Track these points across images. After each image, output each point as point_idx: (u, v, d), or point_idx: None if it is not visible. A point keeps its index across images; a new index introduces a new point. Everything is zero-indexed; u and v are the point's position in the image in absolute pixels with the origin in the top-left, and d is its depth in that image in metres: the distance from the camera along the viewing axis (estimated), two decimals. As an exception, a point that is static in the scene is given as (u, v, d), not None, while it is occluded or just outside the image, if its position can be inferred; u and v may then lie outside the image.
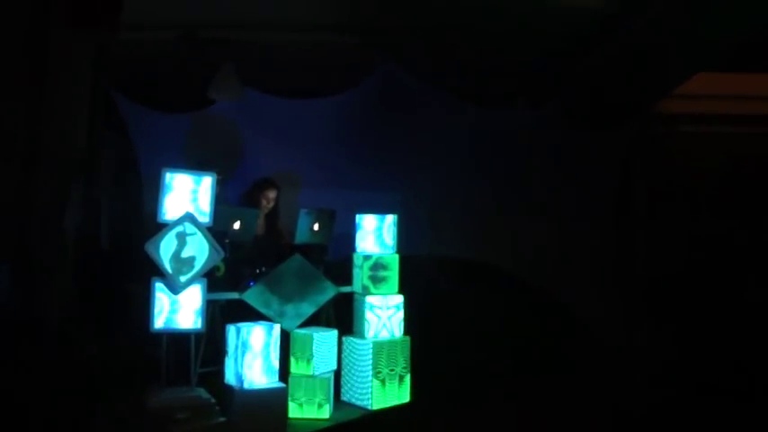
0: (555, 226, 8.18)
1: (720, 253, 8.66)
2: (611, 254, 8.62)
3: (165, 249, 5.20)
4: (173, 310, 5.27)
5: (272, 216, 7.01)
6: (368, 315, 6.01)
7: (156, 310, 5.23)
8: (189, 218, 5.30)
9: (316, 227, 6.22)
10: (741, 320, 7.36)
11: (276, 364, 5.44)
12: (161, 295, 5.25)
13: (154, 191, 5.46)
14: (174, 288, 5.21)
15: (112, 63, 6.68)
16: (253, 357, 5.27)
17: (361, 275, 6.11)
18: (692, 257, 8.74)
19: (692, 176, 9.27)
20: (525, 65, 8.64)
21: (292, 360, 5.65)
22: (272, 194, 6.91)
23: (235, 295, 5.69)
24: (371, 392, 5.83)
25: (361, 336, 6.01)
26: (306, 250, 6.09)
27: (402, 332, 6.20)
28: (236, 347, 5.27)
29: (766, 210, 8.52)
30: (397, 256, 6.26)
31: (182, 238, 5.25)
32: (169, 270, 5.17)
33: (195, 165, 5.84)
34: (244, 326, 5.36)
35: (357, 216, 6.32)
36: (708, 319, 8.28)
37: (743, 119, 9.25)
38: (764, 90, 9.08)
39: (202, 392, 5.35)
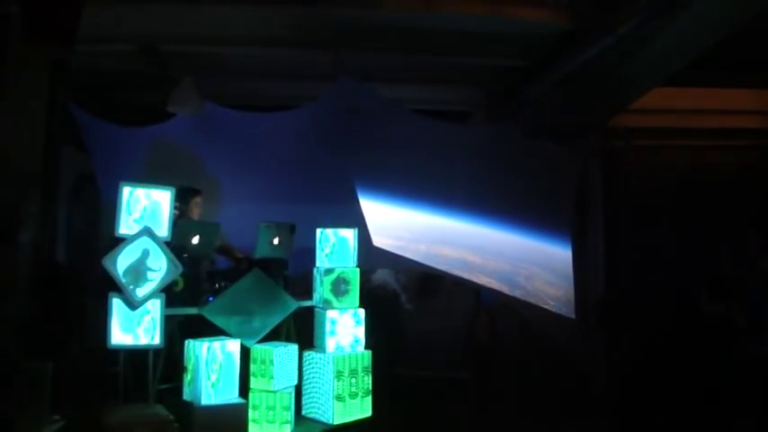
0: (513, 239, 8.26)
1: (676, 264, 8.79)
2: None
3: (123, 264, 5.15)
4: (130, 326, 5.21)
5: None
6: (329, 329, 6.00)
7: (113, 325, 5.16)
8: (147, 232, 5.26)
9: (276, 241, 6.19)
10: (697, 330, 7.47)
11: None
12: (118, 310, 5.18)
13: (112, 205, 5.41)
14: (132, 303, 5.16)
15: (70, 76, 6.62)
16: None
17: (321, 289, 6.11)
18: (648, 269, 8.86)
19: (647, 189, 9.41)
20: (484, 80, 8.74)
21: (252, 375, 5.62)
22: (199, 200, 6.72)
23: (194, 310, 5.63)
24: (333, 407, 5.80)
25: (322, 350, 5.99)
26: (266, 265, 6.06)
27: (363, 346, 6.20)
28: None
29: (721, 221, 8.66)
30: (357, 270, 6.26)
31: (140, 253, 5.21)
32: (126, 285, 5.11)
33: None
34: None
35: (318, 230, 6.32)
36: (665, 329, 8.41)
37: (697, 132, 9.43)
38: (718, 104, 9.27)
39: (161, 409, 5.27)
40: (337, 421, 5.82)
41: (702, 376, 7.19)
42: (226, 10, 6.80)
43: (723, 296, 6.99)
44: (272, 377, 5.54)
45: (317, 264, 6.27)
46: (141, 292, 5.17)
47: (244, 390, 5.55)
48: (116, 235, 5.24)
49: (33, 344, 5.46)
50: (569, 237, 8.69)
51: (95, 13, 5.86)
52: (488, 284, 8.14)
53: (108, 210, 6.26)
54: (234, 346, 5.50)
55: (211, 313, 5.58)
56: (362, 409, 6.04)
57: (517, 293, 8.22)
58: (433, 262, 7.94)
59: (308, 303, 6.21)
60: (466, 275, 8.10)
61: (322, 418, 5.87)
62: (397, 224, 7.79)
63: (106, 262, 5.09)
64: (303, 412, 5.99)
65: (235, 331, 5.60)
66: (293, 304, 6.03)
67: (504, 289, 8.16)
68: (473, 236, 8.10)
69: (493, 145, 8.25)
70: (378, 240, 7.39)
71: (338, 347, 5.99)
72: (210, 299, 5.72)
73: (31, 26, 5.18)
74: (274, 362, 5.56)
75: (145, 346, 5.28)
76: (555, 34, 7.27)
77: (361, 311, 6.21)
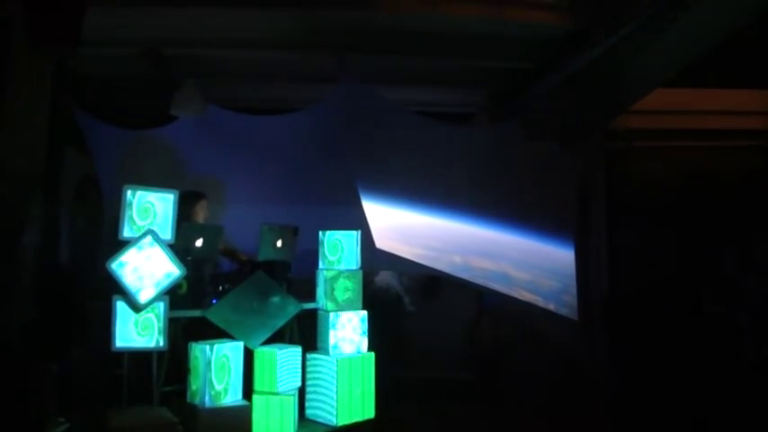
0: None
1: (679, 266, 8.79)
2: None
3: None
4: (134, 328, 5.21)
5: None
6: (331, 320, 6.02)
7: (117, 327, 5.16)
8: (151, 234, 5.26)
9: (279, 243, 6.18)
10: (699, 331, 7.49)
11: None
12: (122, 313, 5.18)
13: (115, 207, 5.40)
14: (136, 306, 5.16)
15: (74, 79, 6.63)
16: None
17: (324, 292, 6.11)
18: (650, 270, 8.86)
19: (649, 190, 9.42)
20: (486, 82, 8.74)
21: (256, 377, 5.63)
22: (204, 203, 6.71)
23: (197, 313, 5.63)
24: (336, 409, 5.81)
25: (326, 352, 6.00)
26: (269, 267, 6.06)
27: (366, 348, 6.21)
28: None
29: (723, 223, 8.67)
30: (360, 272, 6.27)
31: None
32: (130, 288, 5.12)
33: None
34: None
35: (321, 233, 6.32)
36: (667, 331, 8.41)
37: (698, 133, 9.43)
38: (719, 105, 9.28)
39: (165, 412, 5.29)
40: (340, 423, 5.83)
41: (704, 377, 7.19)
42: (228, 13, 6.81)
43: (726, 297, 7.00)
44: (275, 379, 5.55)
45: (321, 266, 6.28)
46: (144, 294, 5.18)
47: (247, 392, 5.55)
48: (120, 238, 5.24)
49: (37, 346, 5.48)
50: (572, 238, 8.70)
51: (98, 16, 5.87)
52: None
53: (111, 212, 6.27)
54: (237, 348, 5.50)
55: (215, 316, 5.58)
56: (365, 410, 6.05)
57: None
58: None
59: (311, 306, 6.22)
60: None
61: (325, 420, 5.88)
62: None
63: (110, 265, 5.10)
64: (306, 414, 6.00)
65: (238, 334, 5.60)
66: (296, 307, 6.03)
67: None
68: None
69: (496, 147, 8.26)
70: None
71: (337, 346, 6.02)
72: (214, 301, 5.71)
73: (35, 29, 5.20)
74: (278, 364, 5.57)
75: (149, 348, 5.29)
76: (557, 36, 7.28)
77: (365, 313, 6.22)
